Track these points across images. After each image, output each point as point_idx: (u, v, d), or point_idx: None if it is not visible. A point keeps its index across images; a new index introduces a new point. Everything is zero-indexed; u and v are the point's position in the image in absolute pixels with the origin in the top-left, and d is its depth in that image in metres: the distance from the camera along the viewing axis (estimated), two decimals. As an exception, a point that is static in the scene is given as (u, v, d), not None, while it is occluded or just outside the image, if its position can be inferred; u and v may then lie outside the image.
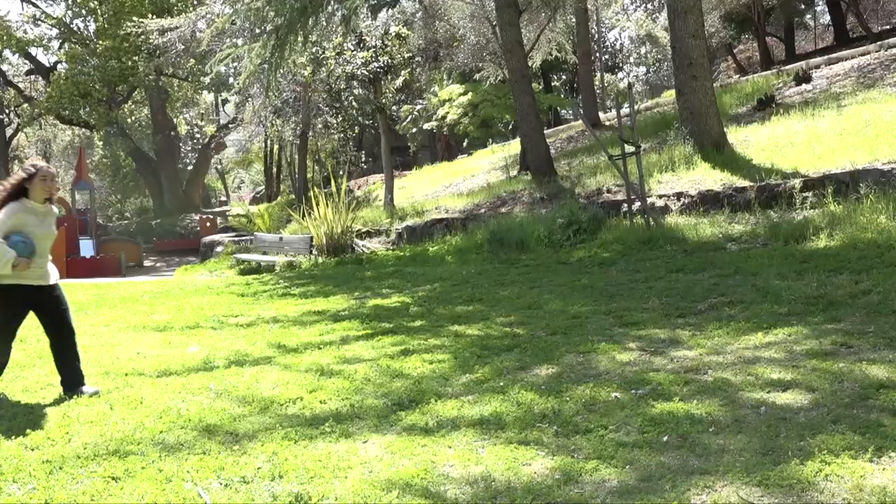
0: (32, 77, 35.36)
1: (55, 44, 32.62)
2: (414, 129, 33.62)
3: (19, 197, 4.73)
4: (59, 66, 32.20)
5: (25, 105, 33.38)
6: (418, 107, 32.72)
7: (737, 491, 2.87)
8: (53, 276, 4.94)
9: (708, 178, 10.76)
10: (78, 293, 11.19)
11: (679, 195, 10.52)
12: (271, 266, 14.86)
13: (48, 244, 4.87)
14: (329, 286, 10.34)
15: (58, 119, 32.68)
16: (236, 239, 20.34)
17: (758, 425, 3.49)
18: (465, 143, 33.07)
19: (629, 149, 10.32)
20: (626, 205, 10.81)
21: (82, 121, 31.21)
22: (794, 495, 2.80)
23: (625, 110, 16.51)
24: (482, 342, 5.75)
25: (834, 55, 19.61)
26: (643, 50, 48.61)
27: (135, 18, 19.14)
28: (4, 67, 34.04)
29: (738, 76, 25.71)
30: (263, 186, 39.09)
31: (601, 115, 24.55)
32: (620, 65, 49.94)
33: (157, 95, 32.97)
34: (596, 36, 36.95)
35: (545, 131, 19.58)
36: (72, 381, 4.89)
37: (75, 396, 4.78)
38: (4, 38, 29.05)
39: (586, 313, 6.46)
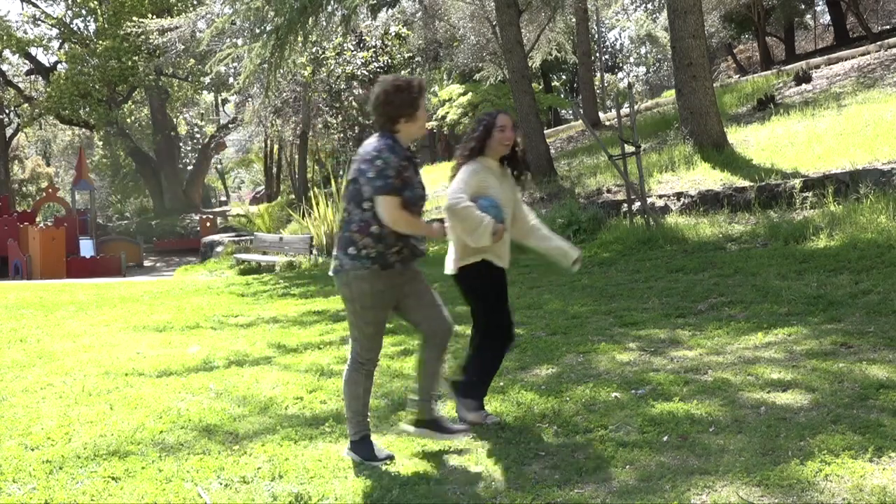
0: (32, 77, 35.34)
1: (55, 44, 32.62)
2: (414, 129, 33.60)
3: (478, 155, 3.88)
4: (59, 66, 32.19)
5: (25, 105, 33.36)
6: (418, 107, 32.70)
7: (737, 491, 2.87)
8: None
9: (708, 178, 10.76)
10: (78, 293, 11.20)
11: (679, 195, 10.51)
12: (271, 266, 14.86)
13: (509, 213, 3.94)
14: (329, 286, 10.32)
15: (58, 119, 32.68)
16: (236, 239, 20.34)
17: (758, 425, 3.49)
18: (464, 143, 33.01)
19: (629, 149, 10.32)
20: (625, 205, 10.80)
21: (82, 121, 31.21)
22: (794, 495, 2.80)
23: (625, 110, 16.50)
24: (482, 342, 5.74)
25: (834, 55, 19.60)
26: (643, 50, 48.64)
27: (135, 18, 19.13)
28: (4, 67, 34.02)
29: (738, 76, 25.71)
30: (263, 186, 39.08)
31: (601, 115, 24.55)
32: (620, 65, 49.94)
33: (157, 95, 32.96)
34: (596, 36, 36.95)
35: (545, 131, 19.57)
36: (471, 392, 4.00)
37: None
38: (4, 38, 29.04)
39: (586, 313, 6.46)
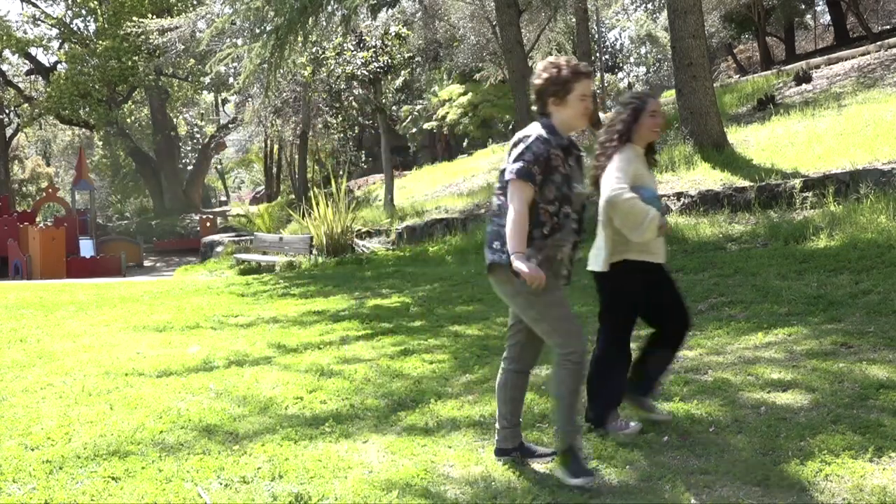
0: (32, 77, 35.36)
1: (55, 44, 32.63)
2: (414, 129, 33.63)
3: (626, 142, 3.56)
4: (59, 66, 32.19)
5: (25, 105, 33.37)
6: (418, 107, 32.74)
7: (737, 491, 2.87)
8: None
9: (708, 178, 10.76)
10: (78, 293, 11.19)
11: (679, 195, 10.51)
12: (271, 266, 14.85)
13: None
14: (329, 286, 10.33)
15: (58, 119, 32.69)
16: (236, 239, 20.34)
17: (758, 425, 3.49)
18: (465, 143, 33.07)
19: (629, 149, 10.31)
20: (626, 205, 10.81)
21: (82, 121, 31.21)
22: (794, 495, 2.80)
23: (625, 110, 16.49)
24: (482, 342, 5.75)
25: (834, 55, 19.60)
26: (643, 50, 48.63)
27: (135, 18, 19.13)
28: (4, 67, 34.03)
29: (738, 76, 25.70)
30: (263, 186, 39.09)
31: (601, 115, 24.53)
32: (620, 65, 49.91)
33: (157, 95, 32.99)
34: (596, 36, 36.94)
35: (545, 131, 19.53)
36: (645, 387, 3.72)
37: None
38: (4, 38, 29.05)
39: (586, 313, 6.44)
